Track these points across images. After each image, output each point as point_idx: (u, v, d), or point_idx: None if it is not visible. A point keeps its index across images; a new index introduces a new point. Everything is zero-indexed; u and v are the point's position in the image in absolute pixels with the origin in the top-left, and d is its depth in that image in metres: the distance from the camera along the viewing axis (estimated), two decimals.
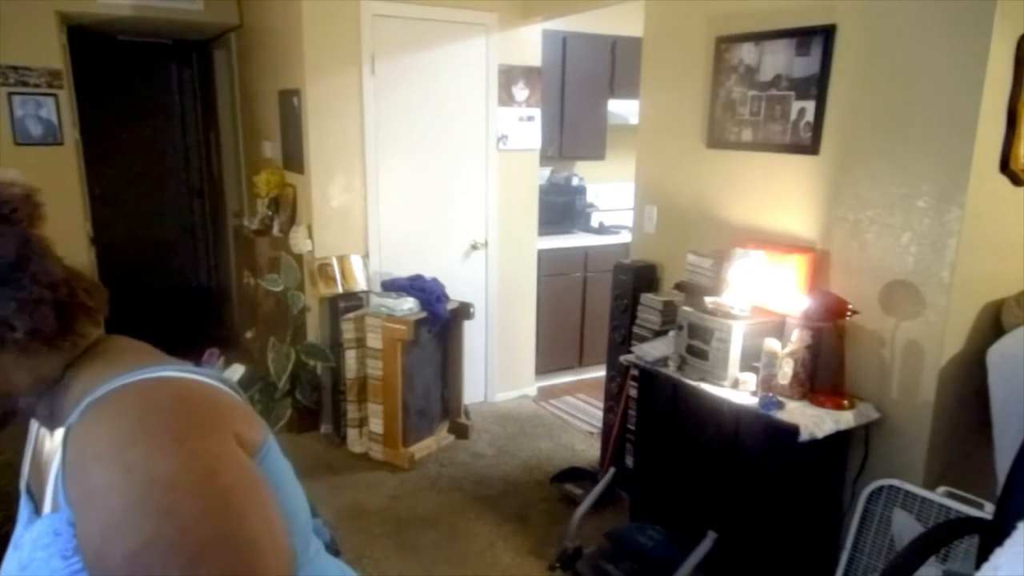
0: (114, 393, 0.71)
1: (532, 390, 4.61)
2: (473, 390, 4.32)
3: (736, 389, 2.34)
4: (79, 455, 0.68)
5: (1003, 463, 1.97)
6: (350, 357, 3.67)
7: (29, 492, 0.85)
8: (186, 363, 0.80)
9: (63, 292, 0.77)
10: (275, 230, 4.20)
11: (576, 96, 4.72)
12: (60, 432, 0.74)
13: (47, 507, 0.72)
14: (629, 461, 3.09)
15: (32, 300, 0.73)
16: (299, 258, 3.85)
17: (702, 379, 2.43)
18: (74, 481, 0.67)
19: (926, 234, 2.19)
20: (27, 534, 0.75)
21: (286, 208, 4.10)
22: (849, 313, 2.29)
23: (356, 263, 3.81)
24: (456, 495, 3.35)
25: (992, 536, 1.57)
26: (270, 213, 4.30)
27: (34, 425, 0.90)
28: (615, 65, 4.81)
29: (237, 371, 2.98)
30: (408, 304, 3.55)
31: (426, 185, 4.02)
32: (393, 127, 3.86)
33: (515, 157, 4.26)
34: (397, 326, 3.47)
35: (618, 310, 3.23)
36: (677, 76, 3.02)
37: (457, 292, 3.91)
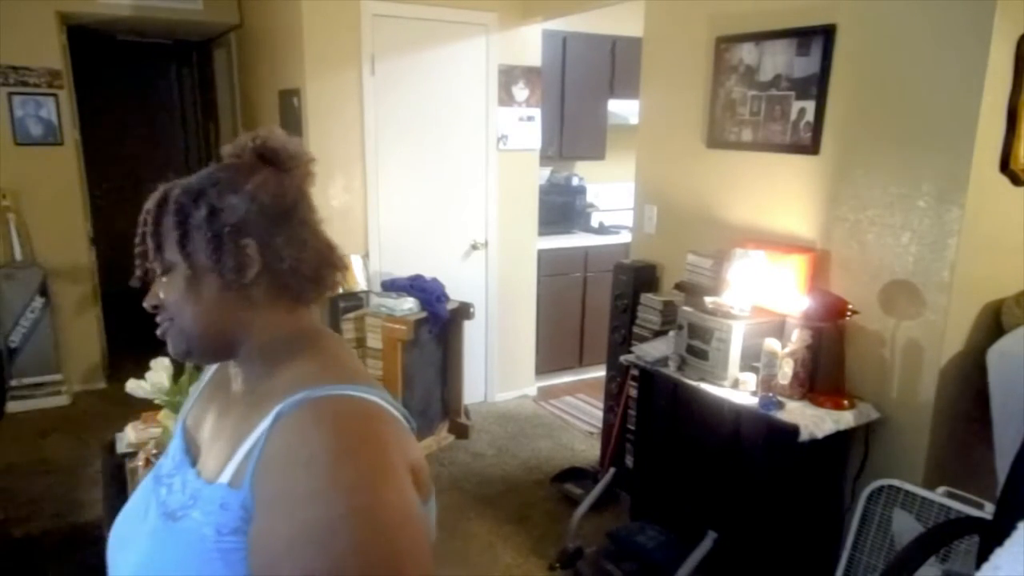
0: (333, 400, 0.73)
1: (532, 390, 4.61)
2: (473, 390, 4.32)
3: (736, 389, 2.34)
4: (287, 451, 0.69)
5: (1003, 463, 1.97)
6: None
7: (185, 429, 0.88)
8: (376, 382, 0.83)
9: (325, 246, 0.86)
10: None
11: (576, 96, 4.72)
12: (258, 396, 0.78)
13: (226, 476, 0.73)
14: (629, 461, 3.09)
15: (301, 241, 0.82)
16: None
17: (702, 379, 2.43)
18: (273, 474, 0.68)
19: (926, 234, 2.19)
20: (184, 483, 0.77)
21: None
22: (849, 313, 2.29)
23: (356, 263, 3.81)
24: (456, 495, 3.35)
25: (992, 536, 1.57)
26: None
27: (209, 370, 0.95)
28: (615, 65, 4.81)
29: None
30: (408, 304, 3.56)
31: (426, 185, 4.02)
32: (393, 127, 3.86)
33: (515, 157, 4.26)
34: (397, 326, 3.47)
35: (618, 310, 3.23)
36: (677, 76, 3.02)
37: (457, 292, 3.91)
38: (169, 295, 0.81)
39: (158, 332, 0.84)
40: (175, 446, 0.87)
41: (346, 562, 0.64)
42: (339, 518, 0.64)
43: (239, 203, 0.79)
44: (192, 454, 0.84)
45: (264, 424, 0.72)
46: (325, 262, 0.86)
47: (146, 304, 0.83)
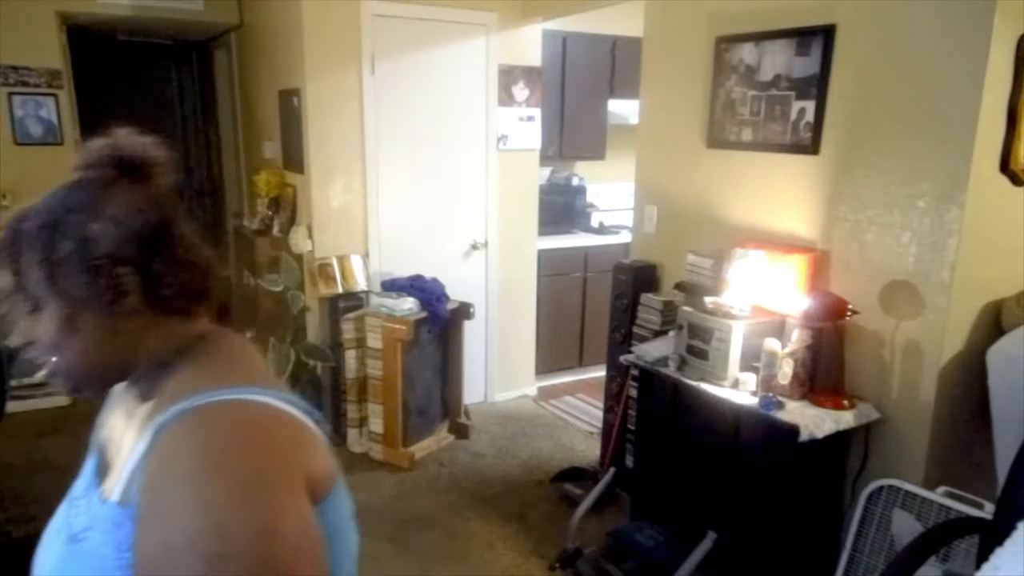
0: (211, 408, 0.71)
1: (532, 390, 4.61)
2: (473, 390, 4.32)
3: (736, 389, 2.34)
4: (163, 464, 0.68)
5: (1003, 463, 1.97)
6: (350, 357, 3.67)
7: (100, 458, 0.86)
8: (281, 383, 0.81)
9: (206, 260, 0.81)
10: (275, 230, 4.20)
11: (576, 96, 4.72)
12: (147, 410, 0.76)
13: (116, 494, 0.72)
14: (629, 461, 3.09)
15: (182, 262, 0.78)
16: (299, 258, 3.85)
17: (702, 379, 2.43)
18: (151, 488, 0.67)
19: (926, 234, 2.19)
20: (89, 505, 0.76)
21: (286, 208, 4.10)
22: (849, 313, 2.29)
23: (356, 263, 3.81)
24: (456, 495, 3.34)
25: (992, 536, 1.57)
26: (270, 213, 4.30)
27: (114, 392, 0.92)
28: (615, 65, 4.81)
29: None
30: (408, 304, 3.55)
31: (426, 185, 4.02)
32: (393, 127, 3.86)
33: (515, 157, 4.26)
34: (397, 326, 3.47)
35: (618, 310, 3.23)
36: (677, 76, 3.02)
37: (457, 292, 3.91)
38: (43, 334, 0.77)
39: (43, 375, 0.80)
40: (88, 465, 0.85)
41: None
42: (199, 534, 0.63)
43: (105, 230, 0.74)
44: (100, 473, 0.81)
45: (147, 438, 0.70)
46: (210, 275, 0.82)
47: (12, 343, 0.80)
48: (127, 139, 0.83)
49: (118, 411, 0.86)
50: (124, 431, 0.80)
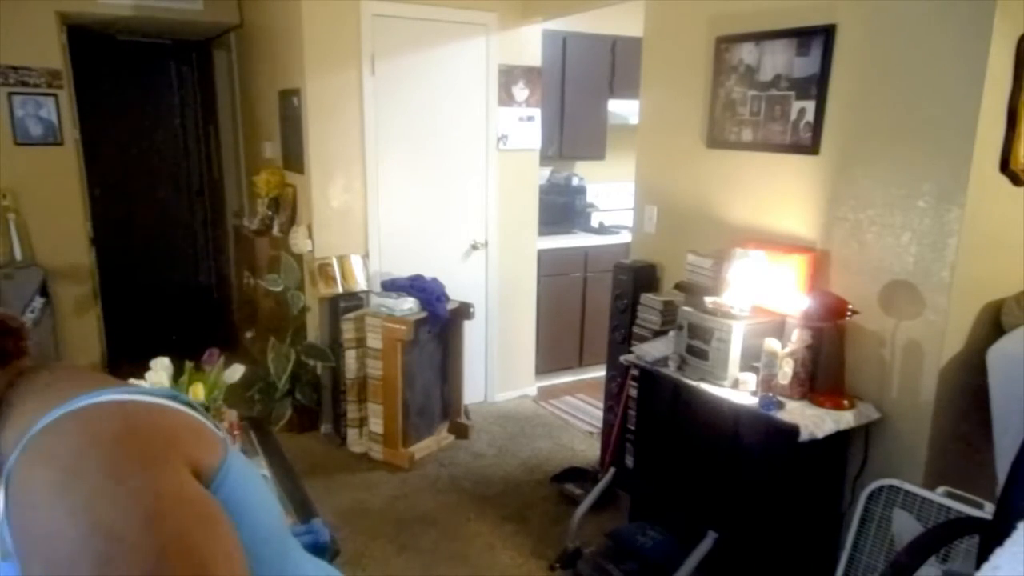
0: (52, 426, 0.66)
1: (532, 390, 4.61)
2: (473, 390, 4.31)
3: (736, 389, 2.34)
4: (20, 498, 0.64)
5: (1003, 463, 1.97)
6: (350, 357, 3.67)
7: None
8: (131, 384, 0.75)
9: None
10: (275, 230, 4.20)
11: (576, 96, 4.72)
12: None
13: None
14: (629, 461, 3.09)
15: None
16: (299, 258, 3.85)
17: (702, 379, 2.43)
18: (17, 528, 0.63)
19: (926, 234, 2.19)
20: None
21: (286, 208, 4.10)
22: (849, 313, 2.29)
23: (356, 263, 3.81)
24: (456, 495, 3.34)
25: (992, 536, 1.57)
26: (270, 213, 4.30)
27: None
28: (615, 65, 4.81)
29: (237, 371, 2.97)
30: (408, 304, 3.55)
31: (426, 185, 4.02)
32: (393, 127, 3.86)
33: (515, 157, 4.26)
34: (397, 326, 3.47)
35: (618, 310, 3.23)
36: (677, 76, 3.02)
37: (457, 292, 3.91)
38: None
39: None
40: None
41: None
42: (78, 550, 0.59)
43: None
44: None
45: (1, 488, 0.66)
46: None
47: None
48: None
49: None
50: None
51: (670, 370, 2.54)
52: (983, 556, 1.56)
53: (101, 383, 0.74)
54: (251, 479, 0.77)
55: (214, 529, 0.65)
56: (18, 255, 4.04)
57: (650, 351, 2.69)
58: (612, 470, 3.02)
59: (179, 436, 0.70)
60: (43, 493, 0.62)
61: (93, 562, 0.58)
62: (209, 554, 0.63)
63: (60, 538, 0.60)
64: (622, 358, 2.86)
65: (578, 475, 3.35)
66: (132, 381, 1.85)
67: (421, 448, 3.72)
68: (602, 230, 4.93)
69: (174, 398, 0.74)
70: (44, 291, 4.09)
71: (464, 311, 3.85)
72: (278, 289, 3.87)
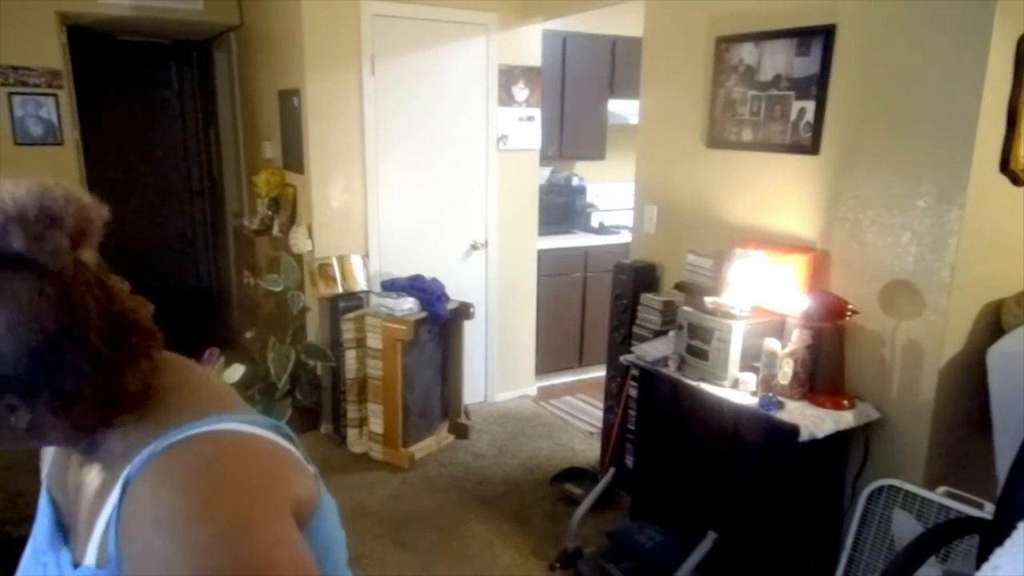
0: (178, 449, 0.66)
1: (532, 390, 4.61)
2: (473, 390, 4.31)
3: (736, 389, 2.34)
4: (139, 514, 0.64)
5: (1003, 463, 1.97)
6: (350, 357, 3.67)
7: (51, 497, 0.81)
8: (239, 401, 0.76)
9: (105, 379, 0.66)
10: (275, 230, 4.20)
11: (576, 96, 4.72)
12: (101, 469, 0.70)
13: (90, 556, 0.68)
14: (629, 461, 3.09)
15: (68, 394, 0.65)
16: (299, 258, 3.85)
17: (702, 379, 2.43)
18: (130, 539, 0.64)
19: (926, 234, 2.19)
20: (59, 568, 0.72)
21: (286, 208, 4.10)
22: (849, 313, 2.29)
23: (356, 263, 3.81)
24: (456, 495, 3.35)
25: (992, 536, 1.57)
26: (270, 213, 4.30)
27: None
28: (615, 65, 4.81)
29: (237, 371, 2.98)
30: (408, 304, 3.55)
31: (426, 185, 4.02)
32: (393, 127, 3.86)
33: (515, 157, 4.26)
34: (397, 326, 3.47)
35: (618, 310, 3.23)
36: (677, 76, 3.02)
37: (457, 292, 3.91)
38: None
39: None
40: (43, 514, 0.80)
41: None
42: None
43: None
44: (64, 528, 0.77)
45: (116, 493, 0.66)
46: (137, 349, 0.69)
47: None
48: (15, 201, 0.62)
49: (71, 460, 0.79)
50: (83, 482, 0.74)
51: (670, 370, 2.54)
52: (983, 556, 1.56)
53: (222, 399, 0.75)
54: (334, 521, 0.79)
55: None
56: None
57: (650, 351, 2.69)
58: (612, 470, 3.03)
59: (291, 474, 0.72)
60: (168, 521, 0.62)
61: None
62: None
63: (176, 567, 0.61)
64: (622, 358, 2.86)
65: (578, 475, 3.34)
66: None
67: (421, 448, 3.72)
68: (602, 230, 4.93)
69: (277, 428, 0.75)
70: None
71: (464, 311, 3.85)
72: (278, 289, 3.87)
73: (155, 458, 0.66)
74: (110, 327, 0.66)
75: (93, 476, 0.72)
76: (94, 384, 0.65)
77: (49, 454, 0.85)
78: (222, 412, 0.71)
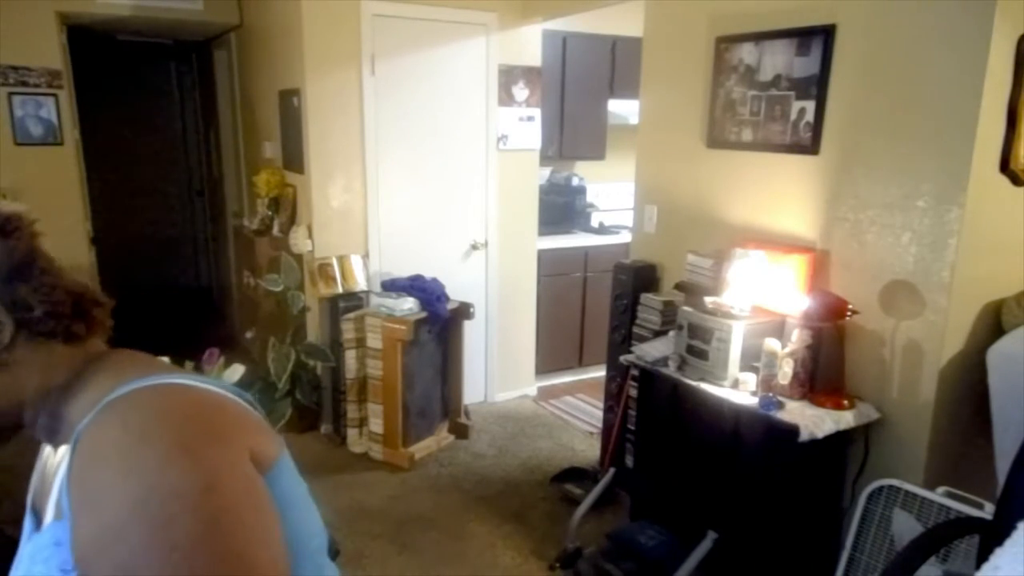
0: (128, 395, 0.70)
1: (532, 390, 4.61)
2: (473, 390, 4.32)
3: (736, 389, 2.34)
4: (85, 456, 0.66)
5: (1003, 463, 1.97)
6: (350, 357, 3.67)
7: (33, 510, 0.83)
8: (202, 376, 0.78)
9: (76, 286, 0.79)
10: (275, 230, 4.20)
11: (576, 96, 4.72)
12: (66, 445, 0.72)
13: (49, 516, 0.71)
14: (629, 461, 3.09)
15: (47, 285, 0.75)
16: (299, 258, 3.85)
17: (702, 379, 2.43)
18: (76, 483, 0.66)
19: (926, 234, 2.19)
20: (28, 547, 0.73)
21: (286, 208, 4.10)
22: (849, 313, 2.29)
23: (356, 263, 3.81)
24: (456, 495, 3.35)
25: (992, 536, 1.57)
26: (270, 213, 4.30)
27: (45, 446, 0.87)
28: (615, 65, 4.81)
29: (237, 371, 2.97)
30: (408, 304, 3.55)
31: (426, 185, 4.02)
32: (393, 127, 3.86)
33: (515, 157, 4.26)
34: (397, 326, 3.47)
35: (618, 310, 3.23)
36: (677, 76, 3.02)
37: (457, 292, 3.91)
38: None
39: None
40: (25, 528, 0.82)
41: (154, 542, 0.60)
42: (134, 505, 0.61)
43: None
44: (38, 517, 0.80)
45: (68, 450, 0.69)
46: (83, 299, 0.80)
47: None
48: None
49: (45, 466, 0.84)
50: (54, 472, 0.78)
51: (670, 370, 2.54)
52: (983, 556, 1.56)
53: (173, 368, 0.78)
54: (298, 488, 0.80)
55: (264, 514, 0.68)
56: None
57: (650, 351, 2.69)
58: (612, 470, 3.02)
59: (244, 424, 0.74)
60: (110, 453, 0.65)
61: (148, 523, 0.61)
62: (255, 535, 0.66)
63: (120, 497, 0.62)
64: (622, 358, 2.86)
65: (578, 475, 3.35)
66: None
67: (421, 448, 3.72)
68: (602, 230, 4.93)
69: (238, 395, 0.77)
70: None
71: (464, 311, 3.85)
72: (278, 289, 3.87)
73: (104, 408, 0.69)
74: (52, 267, 0.78)
75: (58, 457, 0.76)
76: (56, 299, 0.75)
77: (35, 478, 0.87)
78: (175, 372, 0.74)
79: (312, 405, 3.90)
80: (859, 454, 2.38)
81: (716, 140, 2.84)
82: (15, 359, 0.74)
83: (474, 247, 4.23)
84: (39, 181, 4.08)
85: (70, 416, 0.75)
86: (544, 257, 4.51)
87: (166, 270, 6.55)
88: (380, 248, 3.94)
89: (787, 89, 2.54)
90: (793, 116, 2.53)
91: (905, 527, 2.07)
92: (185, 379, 0.74)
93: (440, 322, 3.73)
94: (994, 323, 2.25)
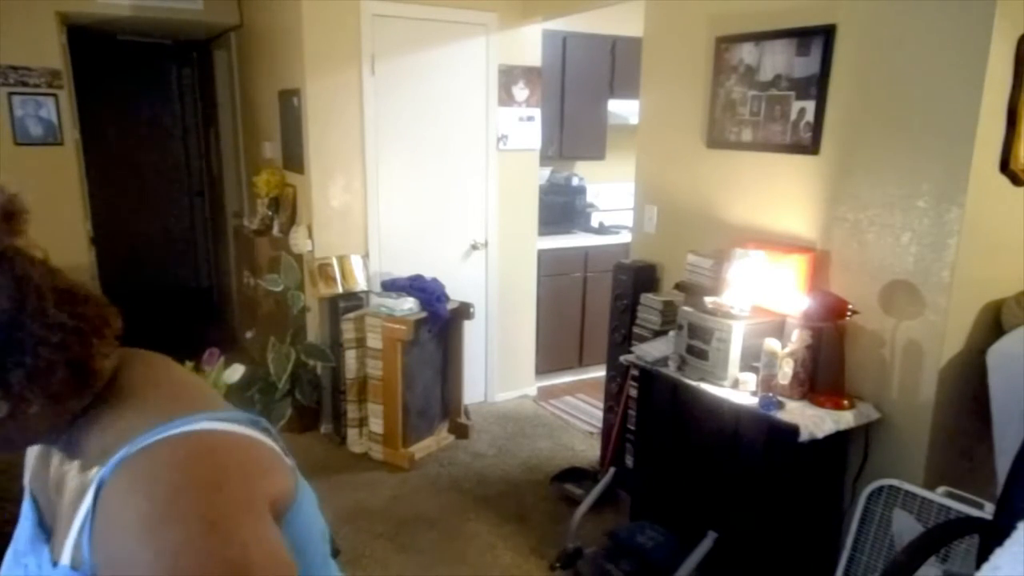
0: (148, 453, 0.66)
1: (532, 390, 4.61)
2: (473, 390, 4.32)
3: (736, 389, 2.34)
4: (110, 519, 0.64)
5: (1003, 463, 1.97)
6: (350, 357, 3.67)
7: (34, 499, 0.81)
8: (217, 400, 0.75)
9: (75, 348, 0.68)
10: (275, 230, 4.20)
11: (576, 96, 4.72)
12: (80, 469, 0.71)
13: (66, 556, 0.68)
14: (629, 461, 3.09)
15: (42, 369, 0.66)
16: (299, 258, 3.85)
17: (702, 379, 2.43)
18: (102, 544, 0.64)
19: (926, 234, 2.19)
20: (39, 567, 0.72)
21: (286, 208, 4.10)
22: (849, 313, 2.29)
23: (356, 263, 3.81)
24: (456, 495, 3.35)
25: (992, 536, 1.57)
26: (270, 213, 4.30)
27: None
28: (615, 65, 4.81)
29: (237, 371, 2.98)
30: (408, 304, 3.55)
31: (426, 185, 4.02)
32: (393, 127, 3.86)
33: (515, 157, 4.26)
34: (397, 326, 3.47)
35: (618, 310, 3.23)
36: (677, 76, 3.02)
37: (457, 292, 3.91)
38: None
39: None
40: (25, 517, 0.80)
41: None
42: None
43: None
44: (46, 527, 0.77)
45: (90, 495, 0.66)
46: (89, 367, 0.70)
47: None
48: None
49: (53, 458, 0.79)
50: (59, 485, 0.75)
51: (670, 370, 2.54)
52: (983, 556, 1.56)
53: (193, 397, 0.75)
54: (313, 504, 0.79)
55: None
56: None
57: (650, 351, 2.69)
58: (612, 470, 3.03)
59: (267, 470, 0.71)
60: (136, 525, 0.63)
61: None
62: None
63: (144, 572, 0.61)
64: (622, 358, 2.86)
65: (578, 475, 3.35)
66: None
67: (421, 448, 3.72)
68: (602, 230, 4.93)
69: (255, 423, 0.74)
70: None
71: (464, 311, 3.85)
72: (278, 289, 3.87)
73: (126, 462, 0.66)
74: (64, 299, 0.68)
75: (72, 475, 0.73)
76: (63, 353, 0.67)
77: (31, 458, 0.85)
78: (195, 411, 0.71)
79: (312, 405, 3.90)
80: (859, 454, 2.38)
81: (716, 140, 2.84)
82: (21, 410, 0.67)
83: (474, 247, 4.23)
84: (39, 181, 4.08)
85: (88, 447, 0.72)
86: (544, 257, 4.51)
87: (166, 270, 6.55)
88: (380, 248, 3.94)
89: (787, 89, 2.54)
90: (793, 116, 2.53)
91: (905, 527, 2.07)
92: (205, 421, 0.70)
93: (440, 322, 3.73)
94: (994, 323, 2.25)
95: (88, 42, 4.88)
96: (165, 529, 0.62)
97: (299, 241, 3.78)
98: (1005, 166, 2.14)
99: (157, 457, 0.66)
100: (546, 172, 4.95)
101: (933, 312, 2.19)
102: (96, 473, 0.67)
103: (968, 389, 2.24)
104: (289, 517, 0.72)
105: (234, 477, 0.68)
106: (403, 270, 3.89)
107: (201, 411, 0.71)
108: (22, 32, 3.93)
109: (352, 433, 3.74)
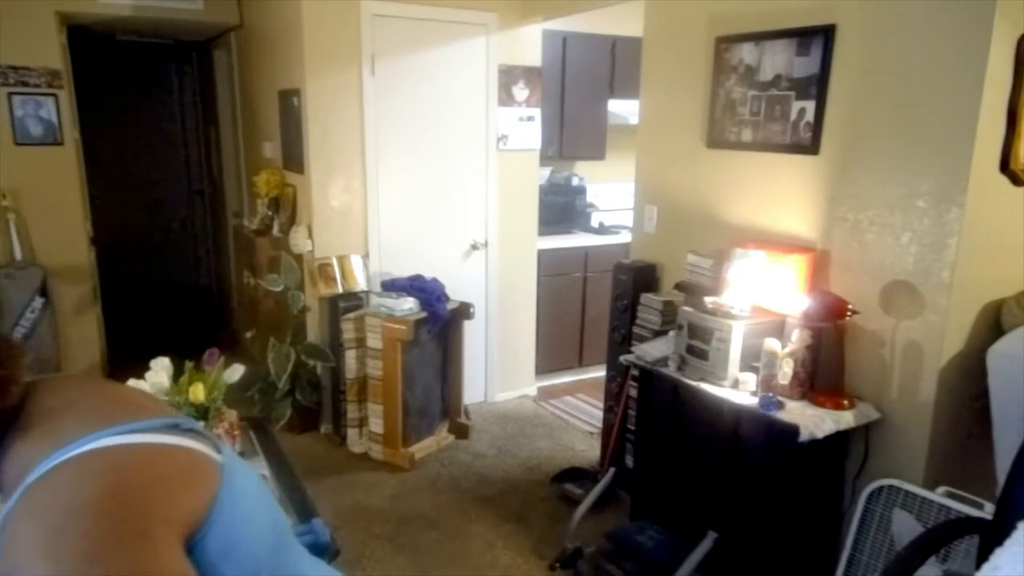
0: (46, 478, 0.67)
1: (532, 390, 4.61)
2: (473, 390, 4.32)
3: (736, 389, 2.34)
4: (6, 551, 0.65)
5: (1003, 463, 1.97)
6: (350, 357, 3.67)
7: None
8: (141, 408, 0.74)
9: None
10: (275, 230, 4.20)
11: (576, 96, 4.72)
12: (3, 500, 0.71)
13: None
14: (629, 461, 3.09)
15: None
16: (299, 258, 3.85)
17: (702, 379, 2.43)
18: (5, 570, 0.64)
19: (926, 234, 2.19)
20: None
21: (286, 208, 4.10)
22: (849, 313, 2.29)
23: (356, 263, 3.81)
24: (456, 495, 3.35)
25: (992, 536, 1.57)
26: (270, 213, 4.30)
27: None
28: (615, 65, 4.81)
29: (237, 371, 2.97)
30: (408, 304, 3.55)
31: (426, 185, 4.02)
32: (393, 127, 3.86)
33: (515, 157, 4.26)
34: (397, 326, 3.47)
35: (618, 310, 3.23)
36: (677, 76, 3.02)
37: (457, 292, 3.91)
38: None
39: None
40: None
41: None
42: None
43: None
44: None
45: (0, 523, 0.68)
46: None
47: None
48: None
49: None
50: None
51: (670, 370, 2.54)
52: (983, 556, 1.56)
53: (106, 414, 0.73)
54: (252, 499, 0.77)
55: None
56: (18, 255, 4.04)
57: (650, 351, 2.69)
58: (612, 470, 3.03)
59: (169, 487, 0.70)
60: (26, 554, 0.63)
61: None
62: None
63: None
64: (622, 358, 2.86)
65: (578, 475, 3.35)
66: (132, 382, 1.84)
67: (421, 448, 3.72)
68: (602, 230, 4.93)
69: (174, 427, 0.73)
70: (44, 291, 4.09)
71: (464, 311, 3.85)
72: (278, 289, 3.87)
73: (24, 493, 0.66)
74: None
75: (1, 507, 0.73)
76: None
77: None
78: (105, 427, 0.70)
79: (312, 405, 3.90)
80: (859, 454, 2.38)
81: (716, 140, 2.84)
82: None
83: (474, 247, 4.23)
84: (39, 181, 4.08)
85: (7, 478, 0.72)
86: (544, 257, 4.52)
87: (166, 270, 6.54)
88: (380, 248, 3.94)
89: (787, 89, 2.54)
90: (793, 116, 2.53)
91: (905, 527, 2.07)
92: (111, 437, 0.69)
93: (440, 322, 3.73)
94: (994, 323, 2.25)
95: (88, 42, 4.87)
96: (44, 564, 0.61)
97: (299, 241, 3.78)
98: (1005, 166, 2.14)
99: (49, 483, 0.66)
100: (546, 172, 4.96)
101: (933, 312, 2.19)
102: (4, 510, 0.68)
103: (968, 389, 2.24)
104: (211, 519, 0.71)
105: (126, 500, 0.66)
106: (403, 270, 3.89)
107: (115, 425, 0.70)
108: (22, 32, 3.93)
109: (352, 433, 3.74)
